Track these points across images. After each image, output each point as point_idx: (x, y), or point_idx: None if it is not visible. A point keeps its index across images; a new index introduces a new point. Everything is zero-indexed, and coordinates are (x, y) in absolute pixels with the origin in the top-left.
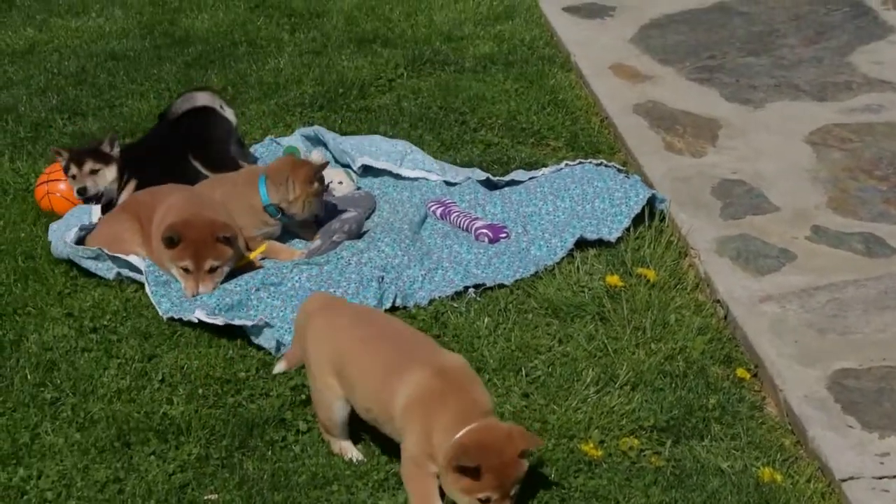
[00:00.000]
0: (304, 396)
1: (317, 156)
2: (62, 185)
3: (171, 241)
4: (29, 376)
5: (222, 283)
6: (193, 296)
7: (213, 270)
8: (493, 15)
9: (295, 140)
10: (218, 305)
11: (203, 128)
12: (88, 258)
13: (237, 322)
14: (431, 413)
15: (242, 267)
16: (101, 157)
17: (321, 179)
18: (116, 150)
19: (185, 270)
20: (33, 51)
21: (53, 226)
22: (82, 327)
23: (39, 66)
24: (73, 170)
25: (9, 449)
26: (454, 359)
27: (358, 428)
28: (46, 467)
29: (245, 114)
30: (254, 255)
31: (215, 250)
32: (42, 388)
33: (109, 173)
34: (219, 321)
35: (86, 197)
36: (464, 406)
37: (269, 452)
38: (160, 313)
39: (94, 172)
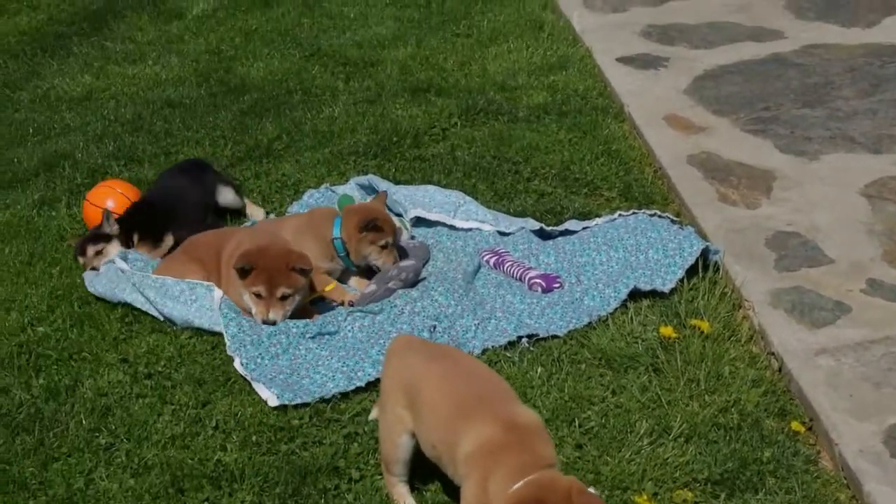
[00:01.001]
0: (356, 445)
1: None
2: (110, 203)
3: (244, 270)
4: (84, 421)
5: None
6: (264, 321)
7: (284, 298)
8: (546, 65)
9: (350, 189)
10: (262, 354)
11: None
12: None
13: (259, 388)
14: (492, 464)
15: (303, 309)
16: (101, 238)
17: (381, 235)
18: (115, 227)
19: (258, 296)
20: (90, 97)
21: (88, 276)
22: (137, 373)
23: (96, 113)
24: (81, 259)
25: (63, 494)
26: (528, 414)
27: (413, 477)
28: None
29: (299, 161)
30: (326, 290)
31: (289, 279)
32: (97, 434)
33: (112, 249)
34: (248, 377)
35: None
36: (525, 458)
37: (322, 501)
38: (226, 338)
39: (98, 254)
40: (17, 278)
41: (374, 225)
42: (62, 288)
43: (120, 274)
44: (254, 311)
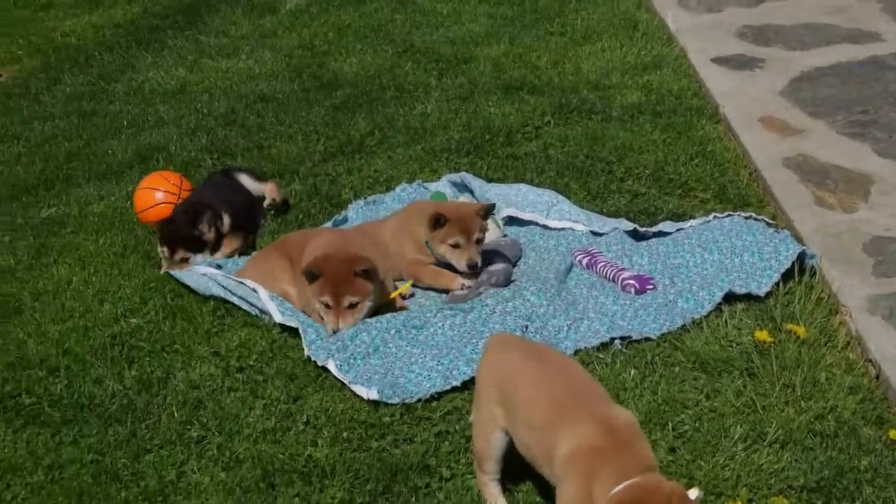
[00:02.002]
0: (448, 444)
1: (463, 202)
2: (159, 195)
3: (311, 276)
4: (176, 414)
5: (366, 317)
6: (335, 331)
7: (352, 306)
8: (640, 64)
9: (442, 186)
10: (353, 356)
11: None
12: (238, 296)
13: (357, 388)
14: (593, 467)
15: (388, 304)
16: (194, 244)
17: (449, 234)
18: (212, 232)
19: (326, 306)
20: (184, 91)
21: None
22: (229, 367)
23: (190, 106)
24: (165, 252)
25: (155, 486)
26: (624, 415)
27: (505, 477)
28: None
29: (392, 157)
30: (396, 294)
31: (353, 286)
32: (188, 426)
33: (200, 258)
34: (345, 380)
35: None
36: (626, 461)
37: (413, 499)
38: (304, 345)
39: (183, 261)
40: (111, 270)
41: (440, 222)
42: (155, 280)
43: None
44: (325, 320)
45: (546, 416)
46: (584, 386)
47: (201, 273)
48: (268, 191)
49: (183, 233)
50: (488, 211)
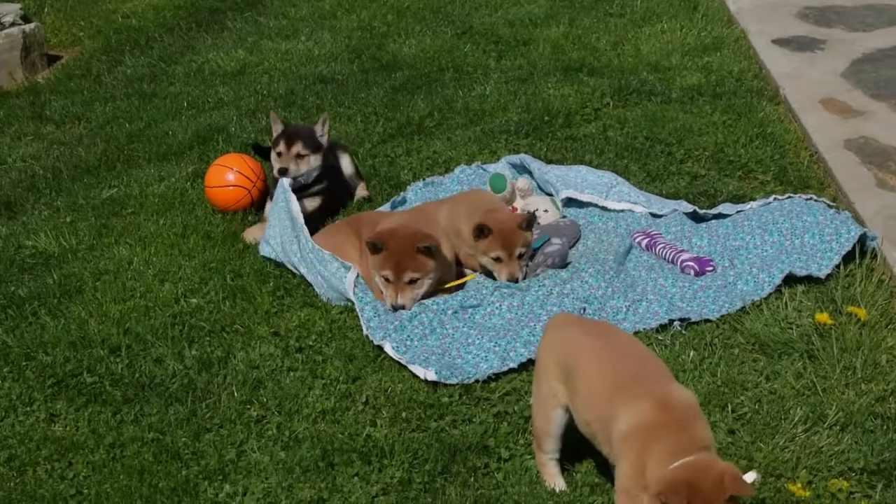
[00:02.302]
0: (506, 424)
1: (522, 183)
2: (230, 175)
3: (374, 247)
4: (236, 393)
5: (424, 296)
6: (394, 306)
7: (412, 282)
8: (700, 46)
9: (501, 167)
10: (409, 336)
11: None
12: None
13: (415, 368)
14: (648, 444)
15: (449, 289)
16: (312, 143)
17: (492, 247)
18: (325, 136)
19: (387, 280)
20: (244, 72)
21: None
22: (288, 347)
23: (249, 88)
24: (281, 147)
25: (215, 464)
26: (684, 394)
27: (563, 458)
28: (252, 484)
29: (451, 139)
30: (454, 284)
31: (415, 262)
32: (248, 406)
33: (314, 160)
34: (402, 360)
35: (284, 177)
36: (681, 439)
37: (472, 479)
38: (362, 323)
39: (299, 157)
40: (171, 250)
41: (483, 233)
42: (215, 261)
43: (289, 230)
44: (384, 294)
45: (606, 394)
46: (645, 363)
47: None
48: (360, 188)
49: (304, 130)
50: (531, 223)
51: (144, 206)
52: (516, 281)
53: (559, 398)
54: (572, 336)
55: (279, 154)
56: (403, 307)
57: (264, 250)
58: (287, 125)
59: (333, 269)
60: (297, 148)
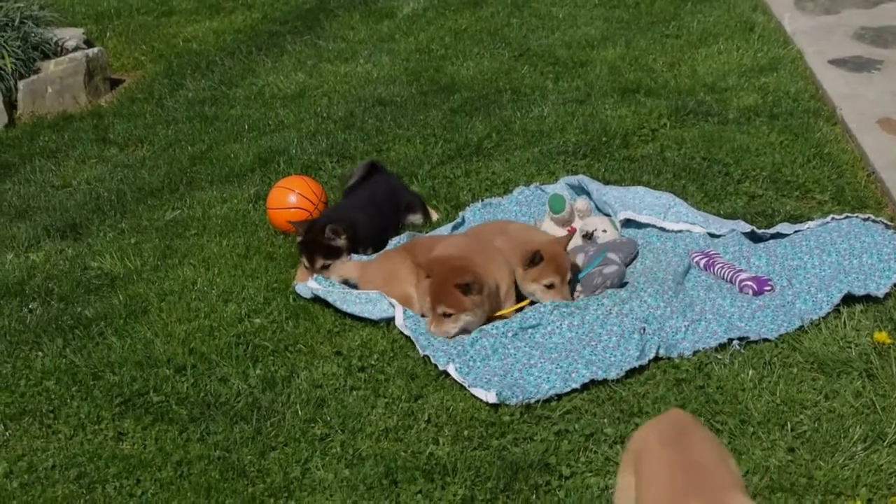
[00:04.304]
0: (567, 443)
1: (581, 204)
2: (293, 197)
3: (426, 276)
4: (300, 412)
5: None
6: (428, 331)
7: (446, 316)
8: (757, 67)
9: (559, 188)
10: (472, 357)
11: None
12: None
13: (477, 391)
14: None
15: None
16: (332, 251)
17: (545, 274)
18: (343, 240)
19: (429, 308)
20: (304, 95)
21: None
22: (350, 366)
23: (309, 110)
24: (305, 262)
25: (281, 482)
26: None
27: None
28: (317, 502)
29: (509, 160)
30: (508, 311)
31: (449, 297)
32: (312, 424)
33: (340, 266)
34: (465, 382)
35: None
36: None
37: (534, 496)
38: (418, 348)
39: (324, 268)
40: (235, 270)
41: (535, 260)
42: (278, 281)
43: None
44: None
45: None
46: (712, 475)
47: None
48: (431, 211)
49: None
50: (566, 244)
51: (207, 228)
52: None
53: (628, 492)
54: (649, 436)
55: (306, 267)
56: (436, 336)
57: (303, 292)
58: (305, 230)
59: (385, 307)
60: (320, 262)
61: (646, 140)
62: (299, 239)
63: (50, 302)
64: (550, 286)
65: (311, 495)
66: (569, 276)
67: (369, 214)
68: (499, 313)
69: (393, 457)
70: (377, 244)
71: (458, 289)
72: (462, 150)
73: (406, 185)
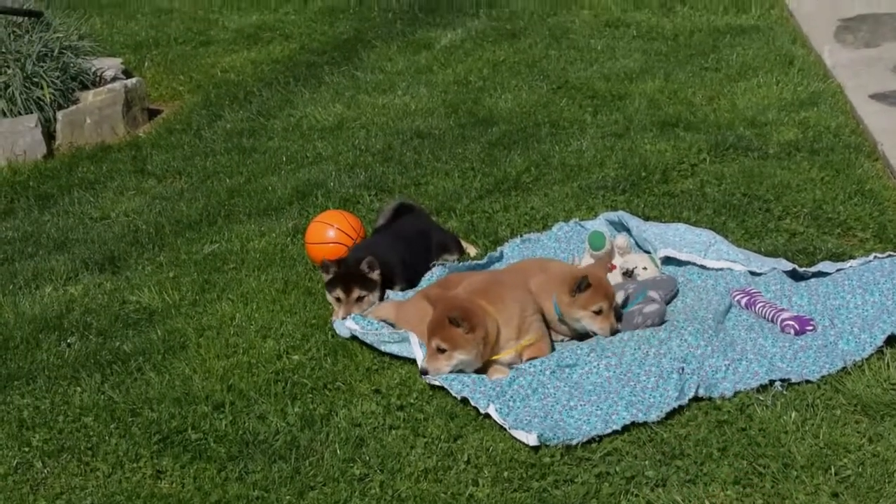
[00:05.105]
0: (608, 485)
1: (622, 241)
2: (331, 232)
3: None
4: (339, 451)
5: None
6: (423, 372)
7: (440, 351)
8: (797, 101)
9: (599, 224)
10: (512, 398)
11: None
12: (393, 342)
13: (517, 434)
14: None
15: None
16: (367, 283)
17: (594, 299)
18: (377, 273)
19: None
20: (342, 127)
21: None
22: (389, 404)
23: (347, 143)
24: (339, 293)
25: None
26: None
27: None
28: None
29: (548, 195)
30: (519, 348)
31: (443, 331)
32: (351, 464)
33: (373, 298)
34: (505, 424)
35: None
36: None
37: None
38: (453, 392)
39: (359, 300)
40: (273, 306)
41: (582, 286)
42: (316, 317)
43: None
44: None
45: None
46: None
47: (350, 328)
48: (467, 246)
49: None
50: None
51: (246, 262)
52: (616, 333)
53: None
54: None
55: (338, 299)
56: (426, 373)
57: (342, 331)
58: (339, 266)
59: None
60: (356, 293)
61: (685, 175)
62: (328, 277)
63: (88, 336)
64: (599, 311)
65: None
66: (614, 302)
67: (398, 251)
68: (493, 357)
69: (433, 498)
70: (409, 280)
71: (452, 325)
72: (500, 184)
73: (439, 224)
